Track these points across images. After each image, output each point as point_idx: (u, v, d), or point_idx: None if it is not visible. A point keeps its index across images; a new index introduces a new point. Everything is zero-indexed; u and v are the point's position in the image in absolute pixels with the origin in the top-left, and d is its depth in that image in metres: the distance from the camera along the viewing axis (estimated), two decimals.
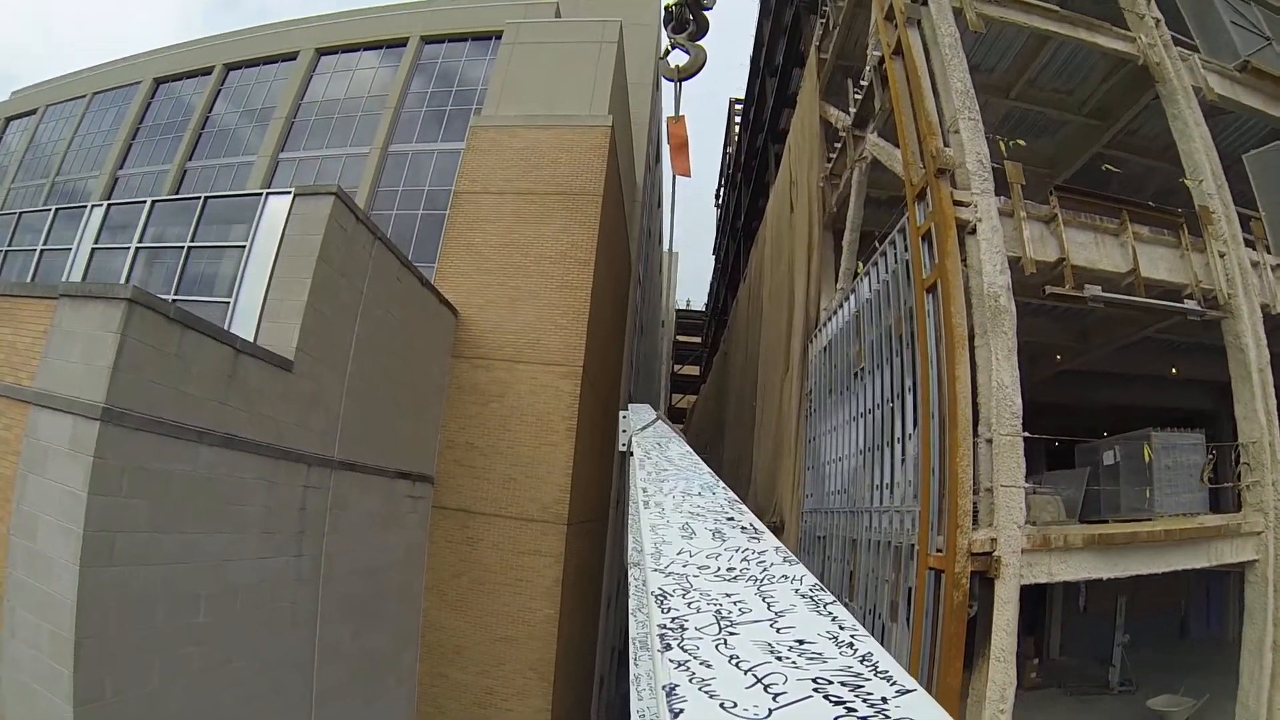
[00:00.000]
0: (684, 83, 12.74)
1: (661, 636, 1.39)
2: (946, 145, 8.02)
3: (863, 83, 11.02)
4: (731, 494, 3.19)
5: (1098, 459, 10.56)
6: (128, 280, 9.55)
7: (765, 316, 16.85)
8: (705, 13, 12.95)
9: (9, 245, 11.11)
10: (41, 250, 10.51)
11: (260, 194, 9.33)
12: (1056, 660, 13.64)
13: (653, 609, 1.57)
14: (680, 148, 12.68)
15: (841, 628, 1.45)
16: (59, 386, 6.05)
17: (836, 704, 1.10)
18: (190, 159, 17.95)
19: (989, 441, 7.23)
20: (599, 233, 13.16)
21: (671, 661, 1.28)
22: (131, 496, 6.05)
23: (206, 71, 19.05)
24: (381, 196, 15.67)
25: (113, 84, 20.53)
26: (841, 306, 11.18)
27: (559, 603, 11.51)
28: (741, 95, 29.43)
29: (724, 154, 39.40)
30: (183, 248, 9.37)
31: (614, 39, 15.06)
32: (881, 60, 9.77)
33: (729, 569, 1.93)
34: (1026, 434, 7.23)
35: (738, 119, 32.46)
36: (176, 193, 17.49)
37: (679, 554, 2.06)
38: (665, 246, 35.78)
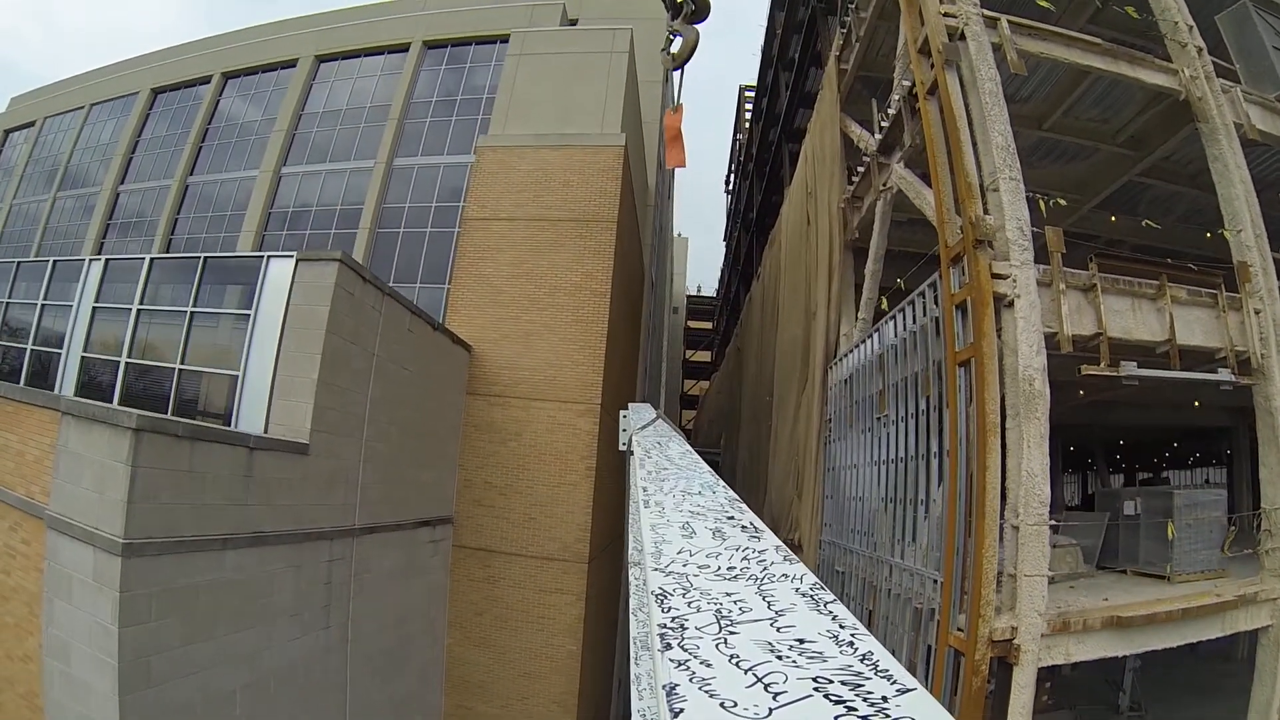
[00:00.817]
0: (682, 68, 12.06)
1: (661, 636, 1.39)
2: (986, 212, 7.66)
3: (889, 109, 10.49)
4: (731, 493, 3.14)
5: (1118, 505, 10.50)
6: (131, 343, 9.44)
7: (780, 323, 16.54)
8: None
9: (9, 296, 10.96)
10: (42, 305, 10.38)
11: (261, 256, 9.10)
12: (1068, 676, 13.81)
13: (653, 608, 1.57)
14: (675, 140, 12.05)
15: (842, 626, 1.45)
16: (75, 513, 6.02)
17: (837, 703, 1.10)
18: (191, 173, 17.51)
19: (1015, 528, 7.15)
20: (614, 260, 12.84)
21: (672, 661, 1.28)
22: (161, 618, 6.08)
23: (205, 80, 18.44)
24: (388, 214, 15.29)
25: (110, 94, 19.95)
26: (864, 343, 10.95)
27: (581, 639, 11.65)
28: (751, 81, 28.34)
29: (734, 140, 38.08)
30: (185, 312, 9.21)
31: (625, 48, 14.34)
32: (912, 90, 9.27)
33: (729, 568, 1.93)
34: (1053, 522, 7.16)
35: (748, 105, 31.33)
36: (179, 208, 17.19)
37: (679, 553, 2.05)
38: (674, 233, 35.03)
